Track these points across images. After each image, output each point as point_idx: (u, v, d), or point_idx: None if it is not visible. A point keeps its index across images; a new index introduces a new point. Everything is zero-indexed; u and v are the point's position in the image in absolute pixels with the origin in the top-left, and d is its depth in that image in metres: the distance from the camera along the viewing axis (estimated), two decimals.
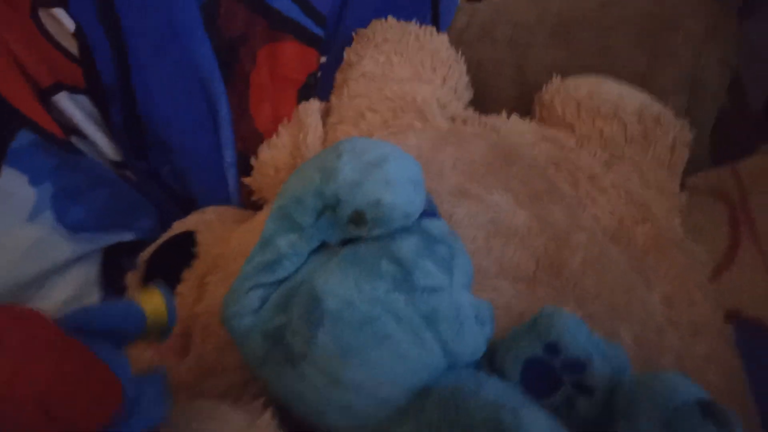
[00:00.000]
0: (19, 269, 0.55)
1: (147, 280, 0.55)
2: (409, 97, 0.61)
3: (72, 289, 0.59)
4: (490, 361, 0.42)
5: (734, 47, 0.65)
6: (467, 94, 0.68)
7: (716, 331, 0.50)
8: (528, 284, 0.49)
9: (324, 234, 0.41)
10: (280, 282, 0.41)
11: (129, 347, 0.36)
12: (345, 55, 0.69)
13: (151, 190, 0.66)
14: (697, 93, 0.64)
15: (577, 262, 0.50)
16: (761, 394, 0.48)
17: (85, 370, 0.30)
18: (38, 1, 0.57)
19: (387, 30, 0.68)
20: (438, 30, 0.70)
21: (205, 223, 0.61)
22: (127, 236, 0.64)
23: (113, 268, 0.63)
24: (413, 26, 0.68)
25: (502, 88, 0.71)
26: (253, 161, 0.65)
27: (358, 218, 0.39)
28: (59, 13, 0.57)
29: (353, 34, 0.70)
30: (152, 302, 0.36)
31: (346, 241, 0.41)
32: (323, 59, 0.70)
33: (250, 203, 0.67)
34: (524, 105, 0.68)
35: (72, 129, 0.61)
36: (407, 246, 0.40)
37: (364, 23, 0.70)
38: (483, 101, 0.69)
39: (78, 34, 0.58)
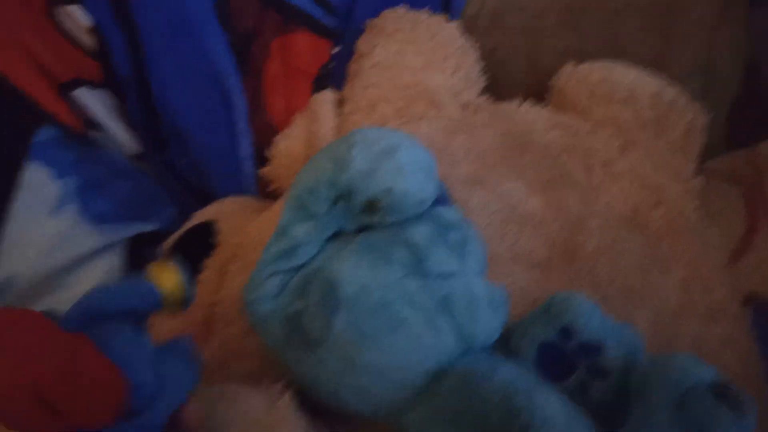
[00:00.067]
0: (46, 260, 0.56)
1: None
2: (422, 86, 0.62)
3: (97, 280, 0.61)
4: (505, 345, 0.43)
5: (747, 31, 0.64)
6: (480, 82, 0.68)
7: (733, 316, 0.50)
8: (542, 270, 0.50)
9: (338, 222, 0.42)
10: (298, 269, 0.42)
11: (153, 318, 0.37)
12: (357, 45, 0.69)
13: (170, 182, 0.67)
14: (711, 77, 0.63)
15: (591, 247, 0.50)
16: None
17: (86, 367, 0.30)
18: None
19: (398, 20, 0.68)
20: (449, 18, 0.70)
21: (224, 213, 0.62)
22: (149, 227, 0.65)
23: (137, 258, 0.65)
24: (425, 15, 0.68)
25: (515, 75, 0.71)
26: (268, 152, 0.66)
27: (371, 207, 0.40)
28: (75, 10, 0.58)
29: (365, 24, 0.70)
30: (167, 278, 0.36)
31: (361, 229, 0.42)
32: (336, 50, 0.71)
33: (267, 193, 0.68)
34: (537, 92, 0.68)
35: (92, 123, 0.62)
36: (420, 233, 0.40)
37: (376, 13, 0.70)
38: (496, 89, 0.69)
39: (94, 30, 0.59)
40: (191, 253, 0.56)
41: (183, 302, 0.36)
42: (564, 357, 0.39)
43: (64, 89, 0.60)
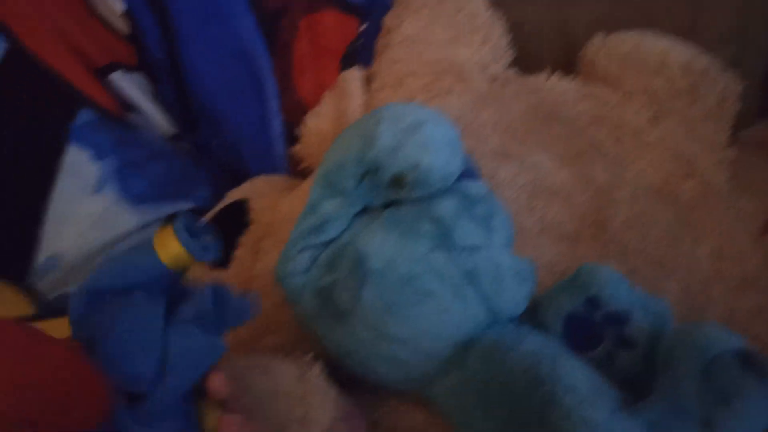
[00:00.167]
0: (88, 239, 0.58)
1: None
2: (449, 60, 0.62)
3: None
4: (533, 317, 0.43)
5: None
6: (508, 55, 0.68)
7: (764, 286, 0.49)
8: (570, 242, 0.50)
9: (366, 198, 0.43)
10: (327, 243, 0.43)
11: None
12: (385, 21, 0.69)
13: (205, 161, 0.69)
14: (745, 44, 0.62)
15: (620, 218, 0.50)
16: None
17: (64, 376, 0.30)
18: None
19: None
20: None
21: (256, 191, 0.64)
22: (185, 205, 0.67)
23: None
24: None
25: (544, 46, 0.70)
26: (298, 131, 0.67)
27: (398, 182, 0.41)
28: None
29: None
30: (167, 246, 0.34)
31: (388, 204, 0.43)
32: (363, 27, 0.71)
33: (298, 172, 0.69)
34: (567, 63, 0.67)
35: (129, 105, 0.64)
36: (446, 207, 0.41)
37: None
38: (525, 61, 0.69)
39: (128, 14, 0.60)
40: (226, 231, 0.58)
41: (191, 261, 0.35)
42: (591, 327, 0.40)
43: (101, 73, 0.62)
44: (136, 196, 0.61)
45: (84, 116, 0.58)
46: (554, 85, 0.61)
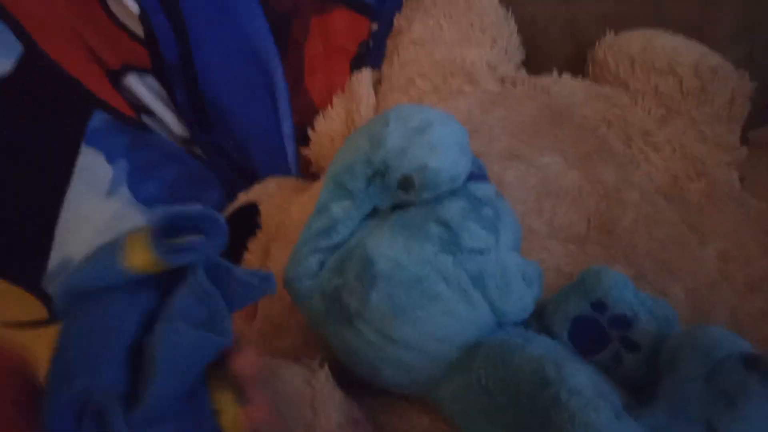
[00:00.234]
0: (101, 240, 0.59)
1: None
2: (459, 61, 0.62)
3: None
4: (539, 320, 0.44)
5: None
6: (519, 54, 0.68)
7: None
8: (579, 244, 0.50)
9: (375, 199, 0.43)
10: (336, 246, 0.44)
11: None
12: (395, 21, 0.69)
13: (216, 164, 0.70)
14: (756, 42, 0.61)
15: (629, 220, 0.50)
16: None
17: None
18: None
19: None
20: None
21: (267, 194, 0.64)
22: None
23: None
24: None
25: (554, 46, 0.70)
26: (309, 132, 0.67)
27: (406, 183, 0.41)
28: None
29: None
30: (137, 254, 0.31)
31: (396, 206, 0.43)
32: (374, 27, 0.71)
33: (309, 173, 0.69)
34: (577, 63, 0.67)
35: (142, 108, 0.64)
36: (454, 209, 0.41)
37: None
38: (535, 60, 0.69)
39: (142, 17, 0.61)
40: (236, 234, 0.58)
41: (164, 265, 0.31)
42: (597, 330, 0.40)
43: (115, 76, 0.62)
44: (148, 199, 0.62)
45: (98, 119, 0.59)
46: (564, 85, 0.61)
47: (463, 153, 0.42)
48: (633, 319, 0.39)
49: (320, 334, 0.44)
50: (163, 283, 0.32)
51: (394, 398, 0.43)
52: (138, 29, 0.62)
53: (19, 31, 0.56)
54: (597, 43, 0.64)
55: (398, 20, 0.70)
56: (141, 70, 0.63)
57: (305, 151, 0.68)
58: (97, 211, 0.59)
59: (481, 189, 0.43)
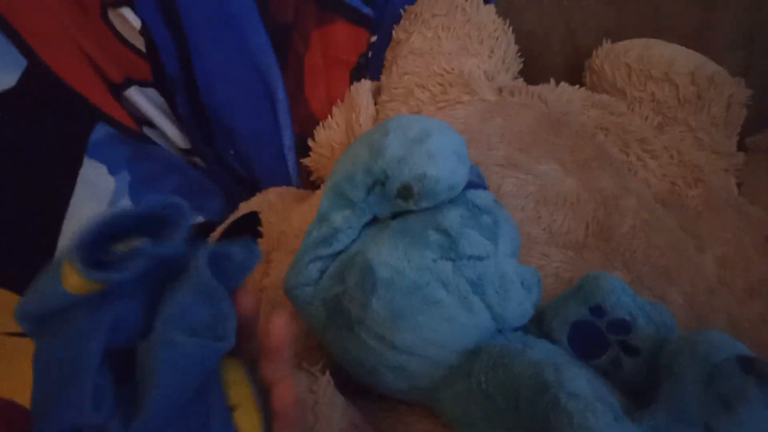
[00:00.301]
0: None
1: None
2: (457, 71, 0.63)
3: None
4: (539, 325, 0.44)
5: None
6: (516, 65, 0.69)
7: None
8: (577, 250, 0.50)
9: (375, 208, 0.44)
10: (337, 254, 0.44)
11: None
12: (394, 33, 0.70)
13: (217, 174, 0.70)
14: (754, 49, 0.62)
15: (627, 226, 0.51)
16: None
17: None
18: (107, 2, 0.61)
19: (434, 5, 0.69)
20: (485, 2, 0.70)
21: (268, 203, 0.65)
22: (198, 218, 0.69)
23: None
24: (460, 0, 0.69)
25: (552, 56, 0.71)
26: (310, 142, 0.68)
27: (405, 192, 0.42)
28: (126, 12, 0.61)
29: (402, 11, 0.71)
30: (68, 277, 0.27)
31: (396, 215, 0.44)
32: (373, 39, 0.72)
33: (309, 183, 0.70)
34: (574, 73, 0.68)
35: (144, 120, 0.65)
36: (453, 217, 0.42)
37: (413, 0, 0.71)
38: (533, 70, 0.70)
39: (144, 31, 0.62)
40: None
41: (104, 283, 0.28)
42: (596, 335, 0.40)
43: (117, 89, 0.63)
44: None
45: (100, 131, 0.60)
46: (562, 94, 0.62)
47: (462, 162, 0.43)
48: (632, 324, 0.39)
49: (321, 341, 0.44)
50: (148, 279, 0.29)
51: (395, 403, 0.43)
52: (139, 43, 0.63)
53: (22, 46, 0.56)
54: (594, 52, 0.65)
55: (397, 32, 0.70)
56: (143, 83, 0.64)
57: (306, 161, 0.69)
58: None
59: (479, 197, 0.44)
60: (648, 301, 0.41)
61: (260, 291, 0.55)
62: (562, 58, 0.70)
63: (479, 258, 0.41)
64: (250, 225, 0.61)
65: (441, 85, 0.63)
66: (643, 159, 0.56)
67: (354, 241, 0.44)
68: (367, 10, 0.71)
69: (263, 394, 0.31)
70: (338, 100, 0.69)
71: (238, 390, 0.31)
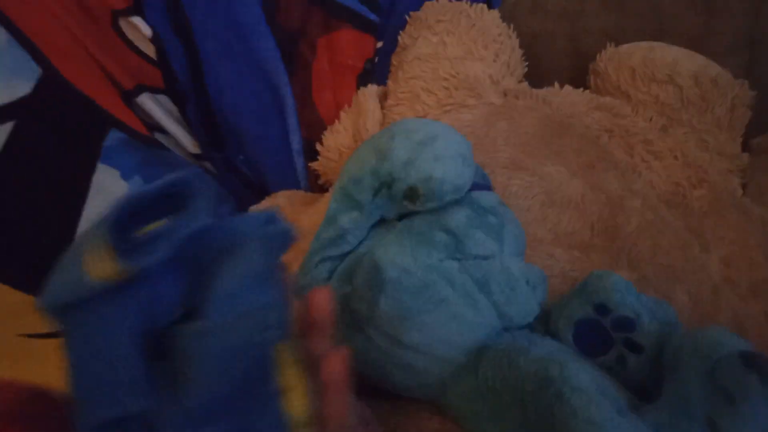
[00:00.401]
0: None
1: None
2: (462, 76, 0.63)
3: None
4: (545, 324, 0.45)
5: None
6: (521, 68, 0.69)
7: None
8: (583, 250, 0.51)
9: (382, 210, 0.45)
10: (345, 255, 0.45)
11: None
12: (399, 38, 0.71)
13: (227, 178, 0.71)
14: (757, 51, 0.62)
15: (632, 226, 0.51)
16: None
17: None
18: (118, 11, 0.62)
19: (439, 11, 0.70)
20: (490, 7, 0.71)
21: (277, 206, 0.66)
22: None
23: None
24: (465, 5, 0.70)
25: (556, 59, 0.71)
26: (318, 147, 0.69)
27: (412, 194, 0.43)
28: (137, 20, 0.63)
29: (407, 17, 0.72)
30: (98, 266, 0.26)
31: (403, 216, 0.45)
32: (379, 45, 0.73)
33: (318, 186, 0.71)
34: (579, 75, 0.68)
35: (155, 126, 0.66)
36: (459, 217, 0.42)
37: (418, 6, 0.72)
38: (537, 74, 0.70)
39: (154, 39, 0.63)
40: None
41: (134, 269, 0.26)
42: (600, 332, 0.41)
43: (129, 95, 0.65)
44: None
45: (113, 137, 0.61)
46: (566, 96, 0.62)
47: (467, 164, 0.44)
48: (635, 322, 0.40)
49: None
50: (178, 257, 0.27)
51: (404, 401, 0.44)
52: (150, 51, 0.64)
53: (37, 55, 0.58)
54: (598, 56, 0.66)
55: (402, 37, 0.71)
56: (154, 90, 0.65)
57: (314, 165, 0.70)
58: None
59: (485, 198, 0.45)
60: (652, 298, 0.41)
61: None
62: (566, 62, 0.71)
63: (485, 257, 0.42)
64: None
65: (447, 89, 0.63)
66: (648, 160, 0.56)
67: (362, 242, 0.45)
68: (372, 17, 0.72)
69: (309, 369, 0.30)
70: (345, 105, 0.70)
71: (288, 372, 0.29)
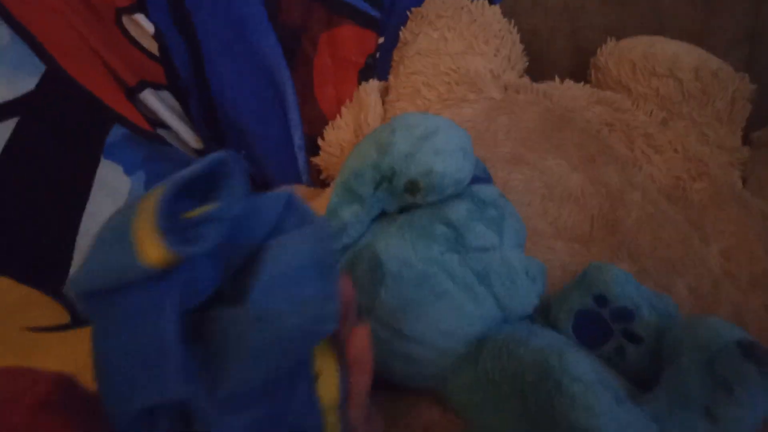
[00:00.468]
0: None
1: None
2: (463, 70, 0.64)
3: None
4: (545, 315, 0.45)
5: None
6: (521, 63, 0.69)
7: None
8: (583, 243, 0.51)
9: (382, 203, 0.45)
10: (346, 248, 0.45)
11: None
12: (401, 34, 0.71)
13: None
14: (757, 45, 0.62)
15: (632, 219, 0.52)
16: None
17: None
18: (122, 9, 0.63)
19: (440, 6, 0.70)
20: (491, 3, 0.71)
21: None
22: None
23: None
24: (466, 1, 0.70)
25: (557, 54, 0.72)
26: (319, 142, 0.69)
27: (412, 187, 0.43)
28: (140, 18, 0.63)
29: (408, 13, 0.72)
30: (149, 249, 0.25)
31: (403, 209, 0.45)
32: (381, 40, 0.73)
33: (319, 181, 0.71)
34: (579, 71, 0.69)
35: (158, 122, 0.67)
36: (459, 210, 0.43)
37: (419, 2, 0.72)
38: (539, 69, 0.71)
39: (157, 36, 0.64)
40: None
41: (178, 259, 0.25)
42: (600, 323, 0.41)
43: (132, 92, 0.65)
44: None
45: (116, 133, 0.61)
46: (567, 91, 0.63)
47: (467, 157, 0.44)
48: (634, 312, 0.40)
49: None
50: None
51: (404, 391, 0.44)
52: (153, 47, 0.65)
53: (40, 51, 0.58)
54: (599, 50, 0.66)
55: (404, 33, 0.72)
56: (156, 85, 0.66)
57: (315, 160, 0.70)
58: None
59: (485, 191, 0.45)
60: (651, 291, 0.41)
61: None
62: (567, 57, 0.71)
63: (485, 250, 0.42)
64: None
65: (448, 84, 0.64)
66: (648, 154, 0.56)
67: (363, 235, 0.46)
68: (374, 13, 0.72)
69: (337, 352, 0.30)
70: (347, 100, 0.70)
71: (323, 357, 0.29)
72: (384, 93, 0.69)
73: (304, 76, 0.71)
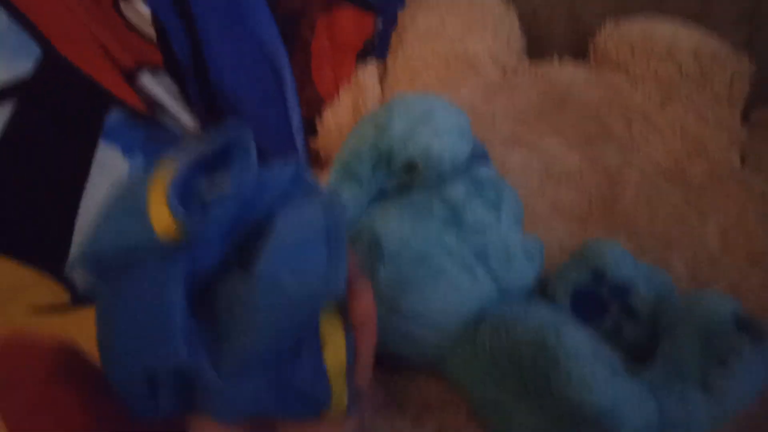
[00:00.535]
0: None
1: None
2: (462, 53, 0.64)
3: None
4: (543, 293, 0.45)
5: None
6: (520, 44, 0.69)
7: None
8: (581, 222, 0.52)
9: (381, 183, 0.45)
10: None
11: None
12: (399, 17, 0.71)
13: None
14: (757, 26, 0.62)
15: (629, 198, 0.52)
16: None
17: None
18: None
19: None
20: None
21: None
22: None
23: None
24: None
25: (556, 35, 0.71)
26: (317, 124, 0.69)
27: (410, 167, 0.43)
28: (137, 2, 0.63)
29: None
30: (159, 216, 0.25)
31: (402, 189, 0.45)
32: (379, 24, 0.73)
33: (317, 163, 0.71)
34: (578, 51, 0.68)
35: (155, 105, 0.67)
36: (457, 190, 0.43)
37: None
38: (537, 50, 0.70)
39: (155, 20, 0.64)
40: None
41: (186, 233, 0.25)
42: (597, 298, 0.41)
43: (130, 74, 0.65)
44: None
45: (114, 116, 0.61)
46: (565, 71, 0.62)
47: (464, 137, 0.44)
48: (631, 287, 0.41)
49: None
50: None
51: (403, 369, 0.45)
52: (151, 31, 0.65)
53: (37, 35, 0.58)
54: (598, 31, 0.66)
55: (402, 17, 0.71)
56: (154, 69, 0.66)
57: (314, 142, 0.70)
58: None
59: (483, 171, 0.45)
60: (649, 266, 0.42)
61: None
62: (566, 39, 0.71)
63: (483, 229, 0.42)
64: None
65: (446, 66, 0.64)
66: (646, 134, 0.57)
67: (361, 215, 0.46)
68: None
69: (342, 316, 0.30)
70: (345, 83, 0.70)
71: (329, 324, 0.29)
72: (382, 76, 0.68)
73: (302, 59, 0.71)
